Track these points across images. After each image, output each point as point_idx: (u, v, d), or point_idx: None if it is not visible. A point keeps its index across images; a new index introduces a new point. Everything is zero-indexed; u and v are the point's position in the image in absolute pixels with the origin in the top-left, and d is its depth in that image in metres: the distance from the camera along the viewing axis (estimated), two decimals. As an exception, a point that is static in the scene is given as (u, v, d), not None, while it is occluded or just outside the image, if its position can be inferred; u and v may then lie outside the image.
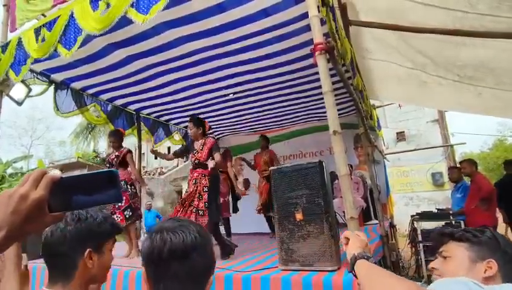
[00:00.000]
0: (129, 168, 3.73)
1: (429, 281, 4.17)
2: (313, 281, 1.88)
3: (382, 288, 0.74)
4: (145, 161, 18.87)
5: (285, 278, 1.98)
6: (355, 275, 0.89)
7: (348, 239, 1.01)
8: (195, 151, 3.34)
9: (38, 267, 2.72)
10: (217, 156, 3.19)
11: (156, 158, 19.36)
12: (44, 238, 0.90)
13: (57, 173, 0.57)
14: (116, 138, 3.77)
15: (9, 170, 11.84)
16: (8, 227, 0.50)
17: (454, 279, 0.77)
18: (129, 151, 3.74)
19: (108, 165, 3.74)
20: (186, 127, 5.71)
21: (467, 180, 4.85)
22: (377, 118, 5.85)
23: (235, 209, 4.56)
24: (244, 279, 2.12)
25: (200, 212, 3.02)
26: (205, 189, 3.14)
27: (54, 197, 0.53)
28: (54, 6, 2.59)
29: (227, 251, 2.99)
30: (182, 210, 3.10)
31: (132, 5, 2.13)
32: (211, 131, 4.99)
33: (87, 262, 0.89)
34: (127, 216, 3.46)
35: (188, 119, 5.28)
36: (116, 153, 3.69)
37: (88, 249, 0.90)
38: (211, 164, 3.22)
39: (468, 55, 3.17)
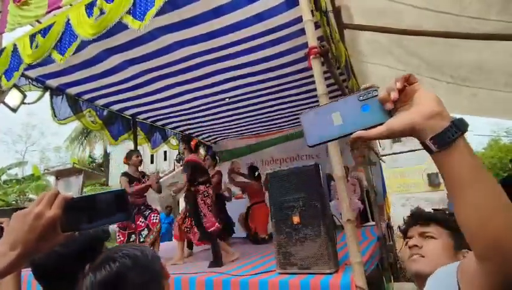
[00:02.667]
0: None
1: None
2: (310, 284, 1.88)
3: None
4: (142, 166, 18.76)
5: (282, 282, 1.98)
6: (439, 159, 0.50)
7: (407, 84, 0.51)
8: None
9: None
10: (184, 177, 3.40)
11: (152, 162, 19.27)
12: (37, 262, 0.88)
13: (69, 194, 0.59)
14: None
15: (4, 177, 11.73)
16: (23, 245, 0.52)
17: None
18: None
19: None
20: (182, 131, 5.71)
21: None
22: (373, 120, 5.87)
23: (230, 233, 4.57)
24: (242, 283, 2.12)
25: (188, 230, 3.41)
26: (187, 208, 3.50)
27: (65, 217, 0.56)
28: (48, 12, 2.58)
29: (216, 263, 3.02)
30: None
31: (129, 12, 2.13)
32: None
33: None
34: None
35: (184, 123, 5.33)
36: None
37: (88, 265, 0.89)
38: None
39: (461, 56, 3.21)
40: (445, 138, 0.49)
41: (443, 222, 0.98)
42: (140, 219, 3.66)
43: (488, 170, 0.49)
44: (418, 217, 1.05)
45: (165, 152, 18.41)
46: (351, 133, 0.55)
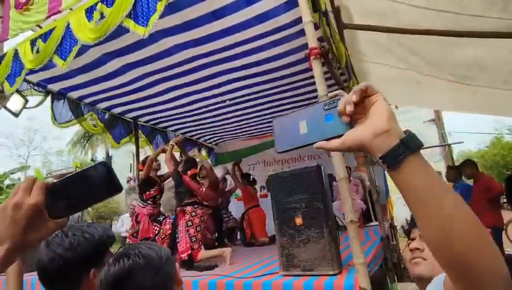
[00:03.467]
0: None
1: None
2: (314, 286, 1.87)
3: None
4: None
5: (286, 284, 1.97)
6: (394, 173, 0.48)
7: (361, 98, 0.50)
8: None
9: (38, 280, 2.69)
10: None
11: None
12: (42, 265, 0.89)
13: (49, 179, 0.56)
14: None
15: (7, 181, 11.76)
16: (10, 239, 0.49)
17: None
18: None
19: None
20: (184, 134, 5.72)
21: (464, 180, 4.87)
22: (374, 120, 5.87)
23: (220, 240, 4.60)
24: (245, 285, 2.11)
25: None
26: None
27: (52, 203, 0.52)
28: (48, 17, 2.59)
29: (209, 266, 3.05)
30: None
31: (130, 16, 2.14)
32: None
33: (92, 280, 0.89)
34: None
35: (186, 125, 5.34)
36: None
37: (92, 270, 0.90)
38: None
39: (461, 54, 3.20)
40: (392, 158, 0.46)
41: None
42: (155, 226, 3.70)
43: (447, 187, 0.46)
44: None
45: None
46: (315, 142, 0.54)
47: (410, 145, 0.46)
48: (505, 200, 4.58)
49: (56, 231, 0.55)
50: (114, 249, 1.01)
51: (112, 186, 0.55)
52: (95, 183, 0.54)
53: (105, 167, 0.55)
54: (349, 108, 0.49)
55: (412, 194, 0.46)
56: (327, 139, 0.52)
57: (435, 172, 0.47)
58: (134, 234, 3.73)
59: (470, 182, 4.68)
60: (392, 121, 0.47)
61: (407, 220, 1.06)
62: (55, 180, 0.54)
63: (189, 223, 3.33)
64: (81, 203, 0.55)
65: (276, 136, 0.58)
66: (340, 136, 0.51)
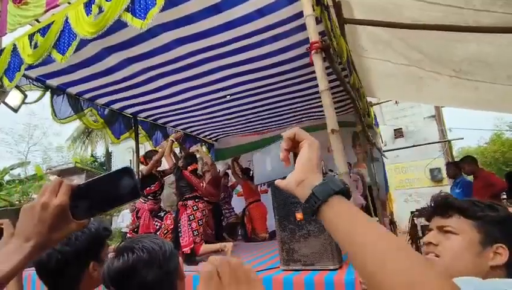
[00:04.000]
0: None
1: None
2: (315, 281, 1.88)
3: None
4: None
5: (287, 279, 1.97)
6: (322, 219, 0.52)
7: (293, 147, 0.54)
8: None
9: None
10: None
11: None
12: (40, 262, 0.88)
13: (74, 182, 0.59)
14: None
15: (7, 177, 11.78)
16: (36, 237, 0.53)
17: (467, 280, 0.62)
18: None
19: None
20: (184, 129, 5.71)
21: (465, 176, 4.86)
22: (374, 116, 5.86)
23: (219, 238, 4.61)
24: (245, 280, 2.11)
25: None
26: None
27: (75, 205, 0.55)
28: (46, 11, 2.57)
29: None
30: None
31: (128, 10, 2.12)
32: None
33: (91, 273, 0.90)
34: None
35: (186, 121, 5.33)
36: None
37: (92, 263, 0.90)
38: None
39: (464, 50, 3.18)
40: (310, 207, 0.49)
41: (466, 210, 0.80)
42: (155, 221, 3.71)
43: (370, 225, 0.46)
44: (436, 206, 0.87)
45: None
46: (275, 180, 0.58)
47: (319, 195, 0.48)
48: (504, 197, 4.58)
49: (76, 231, 0.60)
50: (115, 243, 1.01)
51: (133, 191, 0.58)
52: (118, 187, 0.57)
53: (128, 172, 0.58)
54: (282, 155, 0.54)
55: (335, 235, 0.48)
56: (283, 178, 0.55)
57: (357, 212, 0.48)
58: (135, 229, 3.74)
59: (471, 178, 4.67)
60: (308, 170, 0.50)
61: (428, 204, 0.92)
62: (80, 183, 0.57)
63: (191, 217, 3.34)
64: (103, 206, 0.58)
65: (254, 169, 0.68)
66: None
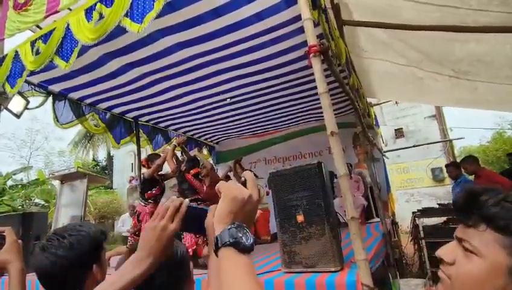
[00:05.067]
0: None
1: (434, 278, 4.16)
2: (316, 283, 1.88)
3: None
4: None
5: (288, 281, 1.98)
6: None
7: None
8: None
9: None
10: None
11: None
12: (43, 270, 0.89)
13: (184, 205, 0.71)
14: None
15: (10, 182, 11.81)
16: (155, 254, 0.64)
17: None
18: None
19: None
20: (185, 132, 5.73)
21: (467, 175, 4.85)
22: (375, 116, 5.86)
23: None
24: (247, 283, 2.12)
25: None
26: None
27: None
28: (46, 17, 2.59)
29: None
30: None
31: (127, 15, 2.14)
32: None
33: (95, 274, 0.92)
34: None
35: (186, 124, 5.35)
36: None
37: (94, 265, 0.92)
38: None
39: (462, 50, 3.19)
40: (215, 247, 0.57)
41: (494, 219, 0.55)
42: None
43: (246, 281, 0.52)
44: (457, 207, 0.62)
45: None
46: None
47: (219, 242, 0.56)
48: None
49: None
50: (114, 246, 1.02)
51: (203, 227, 0.73)
52: (199, 219, 0.71)
53: (206, 214, 0.72)
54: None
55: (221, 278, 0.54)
56: None
57: (241, 267, 0.54)
58: (137, 233, 3.75)
59: (472, 177, 4.66)
60: (216, 219, 0.59)
61: (462, 198, 0.63)
62: (187, 211, 0.71)
63: None
64: (192, 230, 0.80)
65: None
66: None
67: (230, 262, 0.53)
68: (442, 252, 0.62)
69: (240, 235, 0.55)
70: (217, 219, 0.59)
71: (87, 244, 0.92)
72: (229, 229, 0.56)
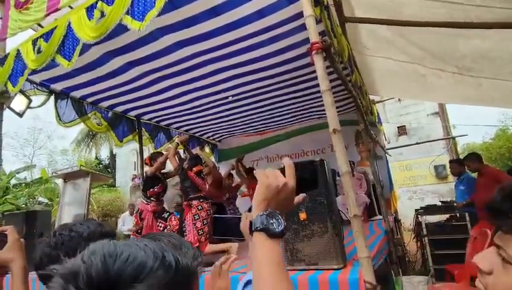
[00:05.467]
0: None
1: (437, 276, 4.14)
2: (319, 280, 1.88)
3: None
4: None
5: (291, 278, 1.98)
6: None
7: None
8: None
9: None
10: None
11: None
12: (35, 263, 0.88)
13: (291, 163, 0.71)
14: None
15: (13, 181, 11.90)
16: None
17: None
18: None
19: None
20: (187, 131, 5.73)
21: (469, 172, 4.82)
22: (377, 113, 5.84)
23: None
24: (250, 280, 2.13)
25: None
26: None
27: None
28: (47, 15, 2.59)
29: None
30: None
31: (128, 12, 2.13)
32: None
33: None
34: None
35: (188, 122, 5.35)
36: None
37: None
38: None
39: (466, 46, 3.16)
40: (249, 230, 0.63)
41: None
42: (159, 222, 3.74)
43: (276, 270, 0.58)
44: (492, 212, 0.55)
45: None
46: None
47: (252, 226, 0.62)
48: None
49: (291, 210, 0.72)
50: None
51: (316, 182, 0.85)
52: (310, 177, 0.81)
53: (315, 166, 0.85)
54: None
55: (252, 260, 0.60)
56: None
57: (267, 251, 0.60)
58: (139, 231, 3.77)
59: (475, 175, 4.63)
60: (253, 205, 0.65)
61: (499, 199, 0.55)
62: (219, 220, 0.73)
63: (196, 217, 3.37)
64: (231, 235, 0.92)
65: None
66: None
67: (260, 245, 0.59)
68: (478, 259, 0.56)
69: (271, 221, 0.60)
70: (254, 205, 0.63)
71: (73, 245, 0.87)
72: (260, 215, 0.60)
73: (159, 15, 2.05)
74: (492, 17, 2.58)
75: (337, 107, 2.03)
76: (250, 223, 0.62)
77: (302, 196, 0.73)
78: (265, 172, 0.66)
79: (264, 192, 0.63)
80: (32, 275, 1.08)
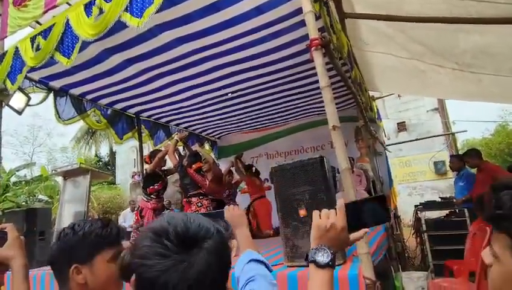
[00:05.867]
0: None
1: (436, 271, 4.17)
2: (319, 276, 1.88)
3: None
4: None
5: (291, 275, 1.99)
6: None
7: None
8: None
9: (47, 274, 2.74)
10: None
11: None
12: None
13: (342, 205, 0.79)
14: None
15: (13, 179, 11.91)
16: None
17: None
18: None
19: None
20: (186, 128, 5.73)
21: (468, 168, 4.83)
22: (377, 109, 5.83)
23: None
24: (250, 277, 2.13)
25: None
26: None
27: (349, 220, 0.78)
28: (45, 12, 2.57)
29: None
30: None
31: (126, 9, 2.12)
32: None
33: (75, 277, 0.88)
34: None
35: (188, 119, 5.35)
36: None
37: (74, 265, 0.88)
38: None
39: (466, 42, 3.15)
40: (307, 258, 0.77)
41: (501, 222, 0.54)
42: None
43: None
44: (483, 212, 0.61)
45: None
46: None
47: (307, 258, 0.79)
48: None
49: (349, 245, 0.84)
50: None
51: (386, 214, 0.78)
52: (377, 209, 0.77)
53: (384, 199, 0.78)
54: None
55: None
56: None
57: (316, 279, 0.76)
58: (140, 228, 3.78)
59: (475, 171, 4.64)
60: (312, 238, 0.81)
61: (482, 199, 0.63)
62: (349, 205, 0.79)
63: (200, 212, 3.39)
64: (367, 223, 0.78)
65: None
66: None
67: (312, 273, 0.76)
68: (483, 254, 0.60)
69: (319, 254, 0.75)
70: (311, 241, 0.79)
71: (70, 243, 0.90)
72: (311, 249, 0.77)
73: (157, 12, 2.04)
74: (494, 12, 2.57)
75: (336, 104, 2.03)
76: (306, 255, 0.77)
77: (363, 231, 0.80)
78: (318, 213, 0.79)
79: (314, 231, 0.78)
80: (33, 273, 1.08)
